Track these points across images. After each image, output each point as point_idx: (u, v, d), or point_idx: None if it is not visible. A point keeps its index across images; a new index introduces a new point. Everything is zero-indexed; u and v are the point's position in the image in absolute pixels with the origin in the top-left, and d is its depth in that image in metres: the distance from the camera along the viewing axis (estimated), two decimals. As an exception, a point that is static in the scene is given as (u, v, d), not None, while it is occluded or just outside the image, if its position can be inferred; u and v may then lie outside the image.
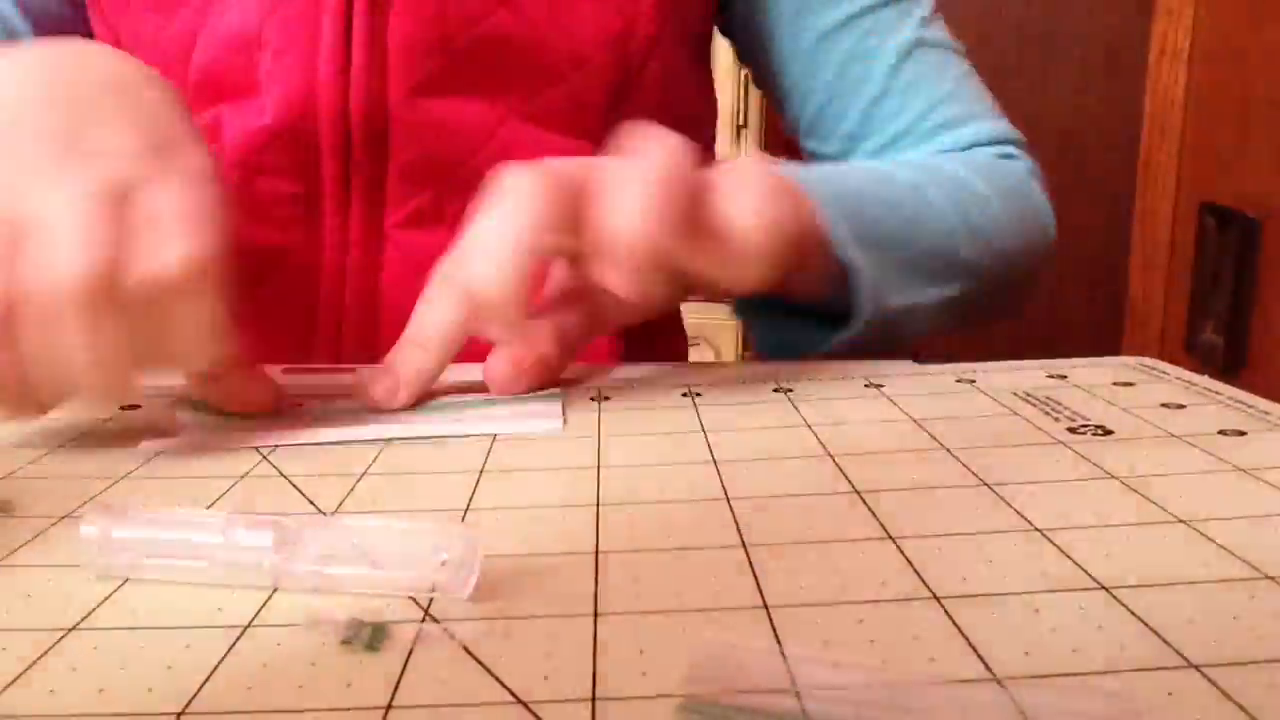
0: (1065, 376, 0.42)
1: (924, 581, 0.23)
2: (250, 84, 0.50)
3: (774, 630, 0.21)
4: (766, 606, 0.22)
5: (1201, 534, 0.25)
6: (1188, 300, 1.38)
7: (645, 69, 0.54)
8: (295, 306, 0.52)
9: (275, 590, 0.23)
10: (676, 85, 0.57)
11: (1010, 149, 0.59)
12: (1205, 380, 0.40)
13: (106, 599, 0.23)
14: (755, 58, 0.62)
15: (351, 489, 0.30)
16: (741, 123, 1.61)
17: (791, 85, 0.60)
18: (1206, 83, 1.39)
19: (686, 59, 0.59)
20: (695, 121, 0.62)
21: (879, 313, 0.46)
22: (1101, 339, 1.78)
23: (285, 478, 0.31)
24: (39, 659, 0.20)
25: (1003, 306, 0.57)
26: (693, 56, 0.60)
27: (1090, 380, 0.41)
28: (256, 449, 0.34)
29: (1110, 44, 1.74)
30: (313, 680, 0.19)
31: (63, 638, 0.21)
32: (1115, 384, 0.40)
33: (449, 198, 0.51)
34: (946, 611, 0.22)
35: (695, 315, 1.65)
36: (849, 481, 0.30)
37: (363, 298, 0.52)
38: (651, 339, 0.57)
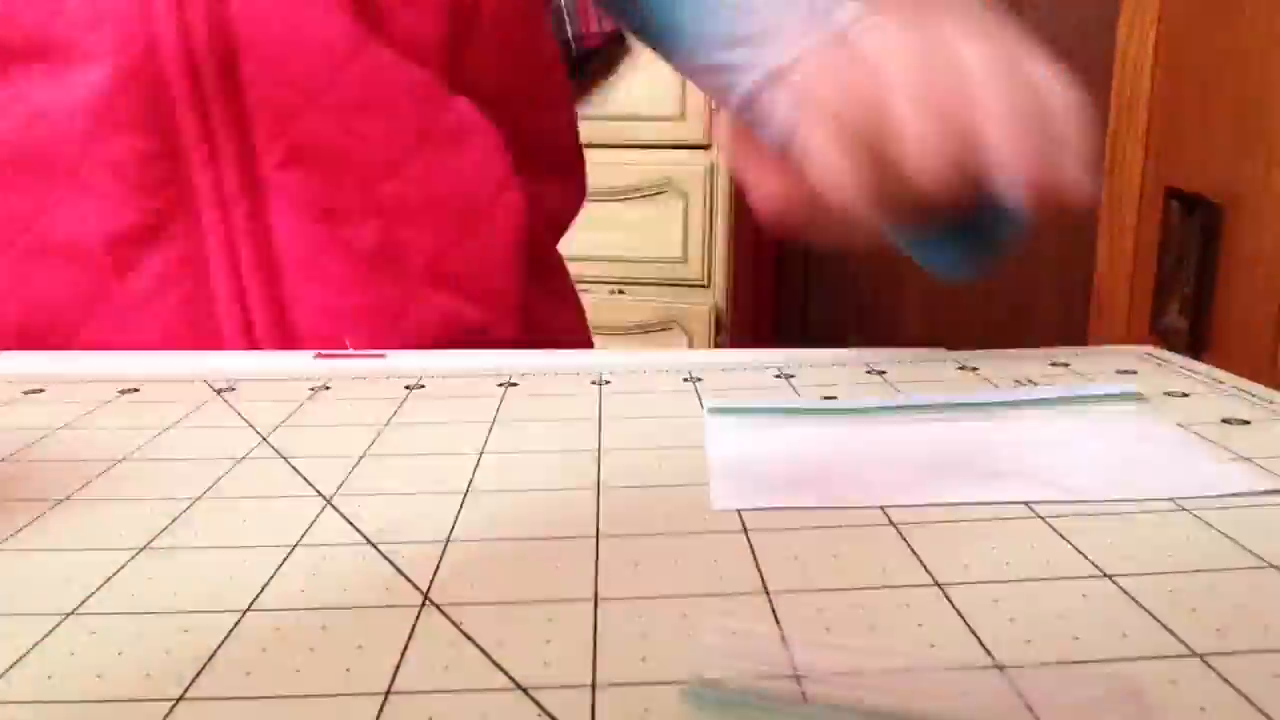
0: (1068, 365, 0.41)
1: (925, 568, 0.23)
2: (54, 39, 0.45)
3: (775, 615, 0.21)
4: (768, 592, 0.22)
5: (1204, 522, 0.25)
6: (1153, 284, 1.38)
7: (477, 9, 0.51)
8: (185, 280, 0.47)
9: (275, 572, 0.23)
10: (514, 26, 0.54)
11: None
12: (1208, 369, 0.40)
13: (105, 584, 0.23)
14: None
15: (351, 470, 0.30)
16: (705, 142, 1.59)
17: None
18: (1172, 70, 1.39)
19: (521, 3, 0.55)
20: (543, 64, 0.59)
21: None
22: (1069, 322, 1.78)
23: (284, 459, 0.31)
24: (37, 644, 0.20)
25: None
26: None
27: (1093, 369, 0.41)
28: (255, 429, 0.34)
29: (1079, 30, 1.74)
30: (312, 665, 0.19)
31: (61, 623, 0.21)
32: (1118, 372, 0.40)
33: (323, 130, 0.47)
34: (948, 598, 0.22)
35: (669, 301, 1.66)
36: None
37: (259, 257, 0.47)
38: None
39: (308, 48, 0.46)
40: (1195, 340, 1.26)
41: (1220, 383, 0.38)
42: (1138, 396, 0.35)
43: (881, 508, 0.26)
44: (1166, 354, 0.43)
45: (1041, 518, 0.26)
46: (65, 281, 0.47)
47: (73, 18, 0.44)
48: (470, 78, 0.51)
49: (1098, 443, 0.31)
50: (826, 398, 0.37)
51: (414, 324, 0.49)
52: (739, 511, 0.26)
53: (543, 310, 0.56)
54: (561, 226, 0.62)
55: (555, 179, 0.59)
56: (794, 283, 2.05)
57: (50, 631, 0.21)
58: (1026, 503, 0.26)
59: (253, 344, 0.49)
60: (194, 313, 0.48)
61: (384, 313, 0.49)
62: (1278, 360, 1.12)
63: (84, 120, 0.45)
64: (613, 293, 1.63)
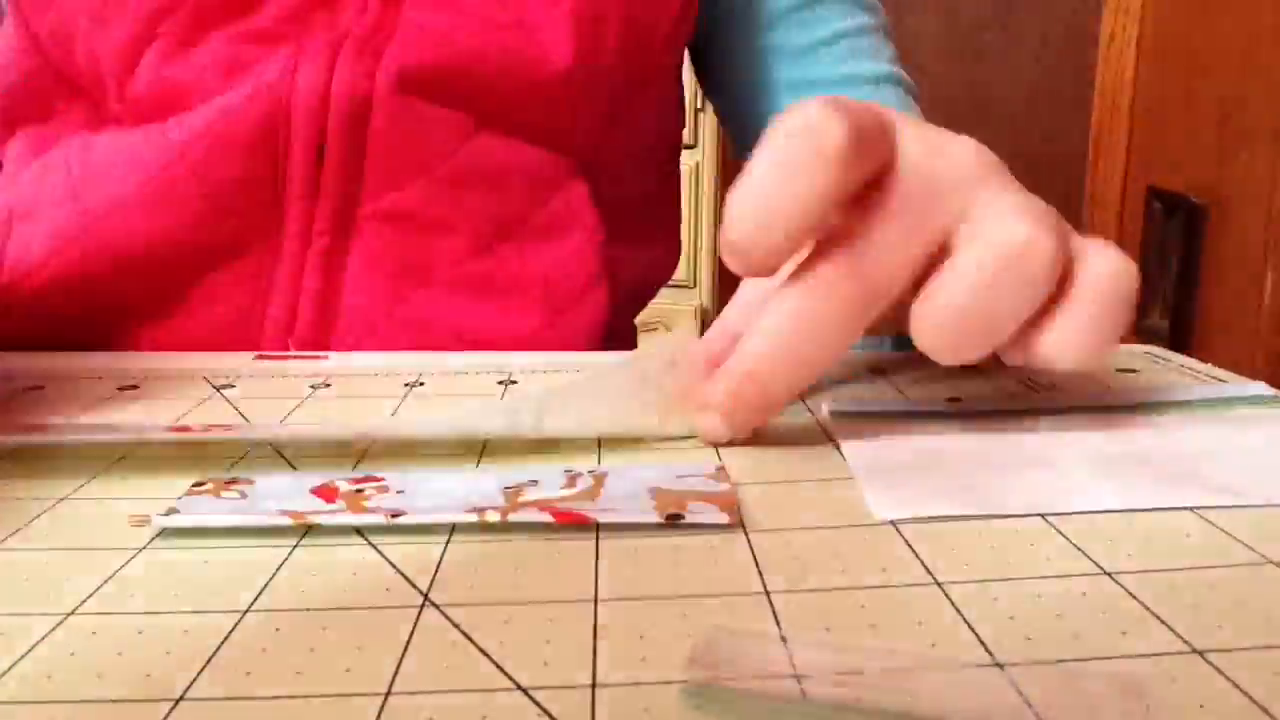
0: (1067, 360, 0.41)
1: (925, 567, 0.23)
2: (189, 89, 0.47)
3: (775, 615, 0.21)
4: (767, 592, 0.22)
5: (1204, 519, 0.25)
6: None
7: (626, 98, 0.52)
8: (241, 301, 0.49)
9: (275, 573, 0.23)
10: (660, 111, 0.57)
11: None
12: (1209, 368, 0.40)
13: (105, 583, 0.23)
14: (721, 90, 0.61)
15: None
16: (691, 143, 1.59)
17: (758, 116, 0.59)
18: (1155, 70, 1.39)
19: (666, 85, 0.58)
20: (673, 146, 0.61)
21: None
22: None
23: (284, 459, 0.31)
24: (37, 643, 0.20)
25: None
26: (669, 83, 0.58)
27: (1093, 367, 0.41)
28: (253, 426, 0.34)
29: (1065, 31, 1.74)
30: (312, 665, 0.19)
31: (61, 622, 0.21)
32: (1118, 370, 0.40)
33: (429, 195, 0.48)
34: (948, 596, 0.22)
35: (654, 301, 1.65)
36: (849, 466, 0.29)
37: (321, 299, 0.49)
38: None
39: (433, 126, 0.47)
40: (1176, 342, 1.27)
41: (1221, 381, 0.38)
42: (1274, 399, 0.34)
43: (1041, 515, 0.26)
44: (1167, 353, 0.43)
45: (1042, 515, 0.26)
46: (132, 281, 0.48)
47: (214, 70, 0.46)
48: (595, 155, 0.51)
49: (1255, 443, 0.31)
50: (951, 399, 0.36)
51: None
52: (740, 511, 0.26)
53: None
54: (648, 297, 0.62)
55: (654, 246, 0.59)
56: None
57: (50, 631, 0.21)
58: (1196, 508, 0.26)
59: (285, 345, 0.49)
60: (237, 342, 0.48)
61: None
62: (1258, 362, 1.13)
63: (199, 145, 0.46)
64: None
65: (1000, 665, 0.19)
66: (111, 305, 0.49)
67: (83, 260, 0.48)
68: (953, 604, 0.21)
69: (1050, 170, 1.90)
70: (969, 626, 0.20)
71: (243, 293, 0.49)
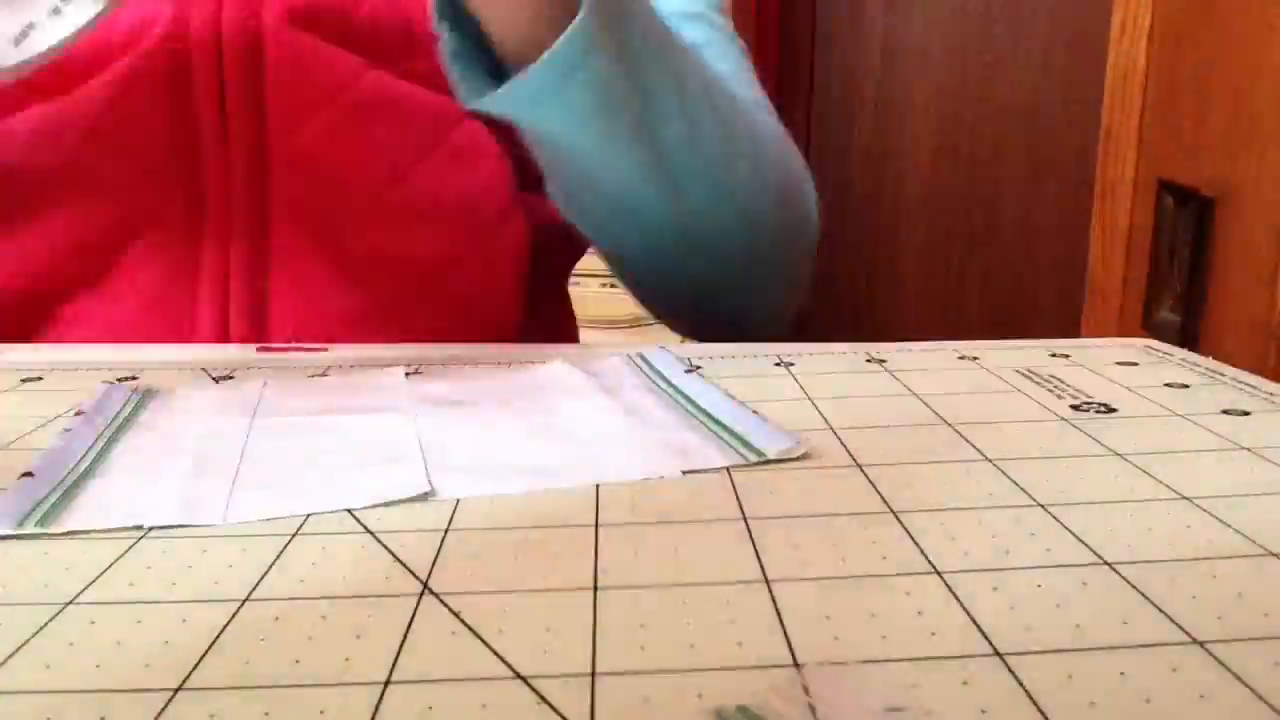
0: (1068, 355, 0.41)
1: (925, 556, 0.23)
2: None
3: (774, 603, 0.21)
4: (767, 580, 0.22)
5: (1205, 511, 0.25)
6: (1146, 278, 1.39)
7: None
8: (172, 264, 0.48)
9: (274, 561, 0.23)
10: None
11: None
12: (1209, 361, 0.40)
13: (104, 573, 0.23)
14: None
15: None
16: None
17: None
18: (1166, 62, 1.39)
19: None
20: None
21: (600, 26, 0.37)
22: (1064, 315, 1.79)
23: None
24: (36, 633, 0.20)
25: (737, 267, 0.49)
26: None
27: (1093, 359, 0.41)
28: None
29: (1074, 22, 1.74)
30: (311, 654, 0.19)
31: (60, 612, 0.21)
32: (1119, 363, 0.40)
33: (335, 132, 0.48)
34: (948, 586, 0.22)
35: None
36: (850, 455, 0.29)
37: (251, 252, 0.48)
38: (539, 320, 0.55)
39: (329, 56, 0.47)
40: (1187, 337, 1.26)
41: (1221, 375, 0.38)
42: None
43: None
44: (1167, 346, 0.43)
45: (1042, 505, 0.26)
46: (59, 254, 0.47)
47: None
48: None
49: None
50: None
51: (397, 339, 0.47)
52: (739, 500, 0.26)
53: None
54: (573, 258, 0.62)
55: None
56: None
57: (49, 621, 0.21)
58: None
59: (224, 339, 0.48)
60: (174, 300, 0.48)
61: (366, 324, 0.48)
62: (1270, 355, 1.13)
63: (102, 103, 0.45)
64: (604, 286, 1.63)
65: (1000, 655, 0.19)
66: (40, 286, 0.48)
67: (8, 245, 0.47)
68: (953, 593, 0.21)
69: (1059, 162, 1.90)
70: (969, 616, 0.20)
71: (172, 255, 0.48)
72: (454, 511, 0.26)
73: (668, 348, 0.42)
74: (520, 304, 0.53)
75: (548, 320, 0.59)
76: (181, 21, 0.46)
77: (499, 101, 0.37)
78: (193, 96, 0.46)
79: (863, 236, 1.96)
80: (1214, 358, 0.41)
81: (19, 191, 0.47)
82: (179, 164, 0.47)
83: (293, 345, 0.46)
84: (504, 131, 0.51)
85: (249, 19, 0.46)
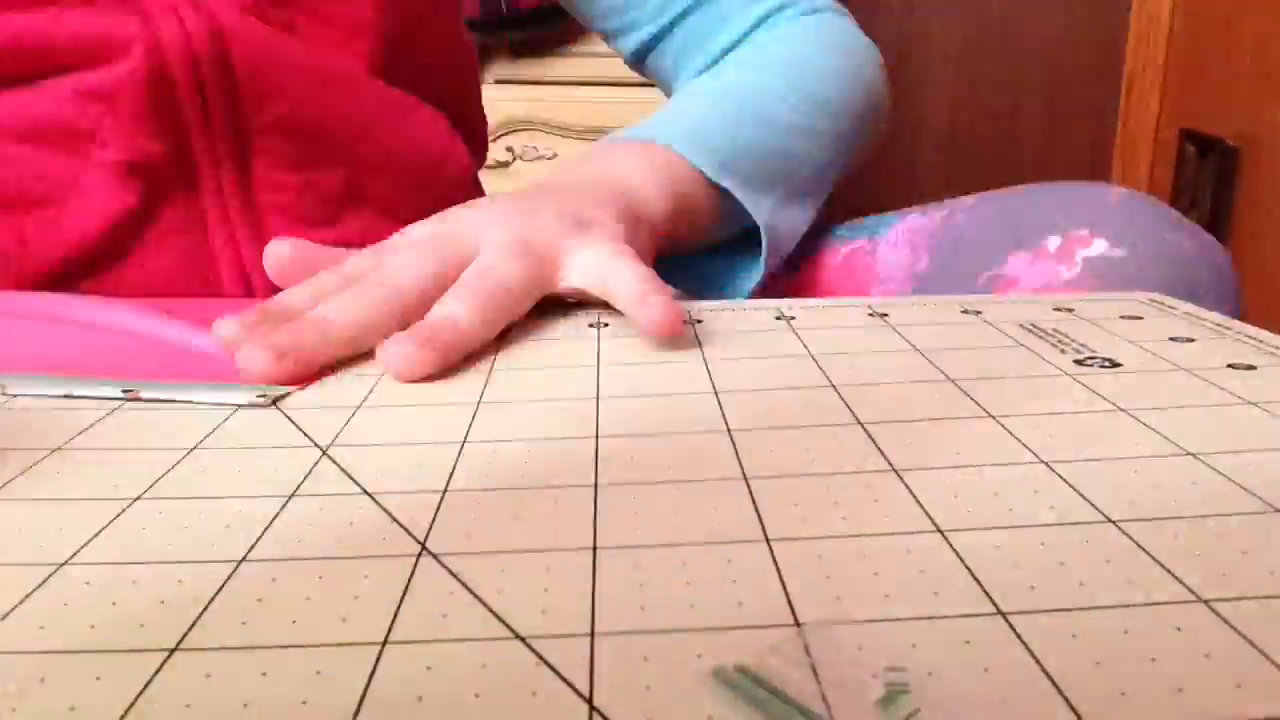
0: (1072, 310, 0.41)
1: (928, 514, 0.23)
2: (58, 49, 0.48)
3: (775, 563, 0.21)
4: (768, 539, 0.22)
5: (1210, 467, 0.25)
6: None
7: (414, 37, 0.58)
8: (187, 236, 0.51)
9: (271, 522, 0.23)
10: (447, 47, 0.63)
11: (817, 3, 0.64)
12: (1215, 315, 0.39)
13: (98, 533, 0.23)
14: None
15: (348, 420, 0.30)
16: None
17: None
18: (1190, 12, 1.36)
19: (448, 20, 0.63)
20: (466, 74, 0.68)
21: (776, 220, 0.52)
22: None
23: (279, 408, 0.31)
24: (30, 594, 0.20)
25: (856, 148, 0.61)
26: (452, 16, 0.64)
27: (1097, 314, 0.40)
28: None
29: None
30: (308, 614, 0.19)
31: (53, 573, 0.21)
32: (1123, 318, 0.40)
33: (302, 103, 0.52)
34: (950, 544, 0.21)
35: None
36: (852, 413, 0.29)
37: (247, 211, 0.52)
38: None
39: (281, 50, 0.51)
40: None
41: (1226, 329, 0.38)
42: None
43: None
44: (1172, 300, 0.42)
45: (1045, 462, 0.25)
46: (77, 235, 0.50)
47: (72, 28, 0.48)
48: (404, 69, 0.58)
49: None
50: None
51: None
52: (739, 459, 0.26)
53: None
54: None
55: (467, 143, 0.66)
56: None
57: (43, 582, 0.21)
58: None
59: (250, 293, 0.52)
60: (195, 267, 0.51)
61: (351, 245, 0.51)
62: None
63: (95, 110, 0.49)
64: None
65: (1004, 614, 0.19)
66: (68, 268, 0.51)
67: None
68: (955, 552, 0.21)
69: (1083, 113, 1.87)
70: (971, 575, 0.20)
71: (182, 241, 0.51)
72: (451, 472, 0.26)
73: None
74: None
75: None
76: (152, 39, 0.48)
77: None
78: (177, 97, 0.49)
79: (878, 186, 1.95)
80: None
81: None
82: (170, 151, 0.50)
83: None
84: (419, 88, 0.59)
85: (206, 19, 0.49)
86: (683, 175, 0.50)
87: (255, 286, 0.52)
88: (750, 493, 0.24)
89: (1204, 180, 1.29)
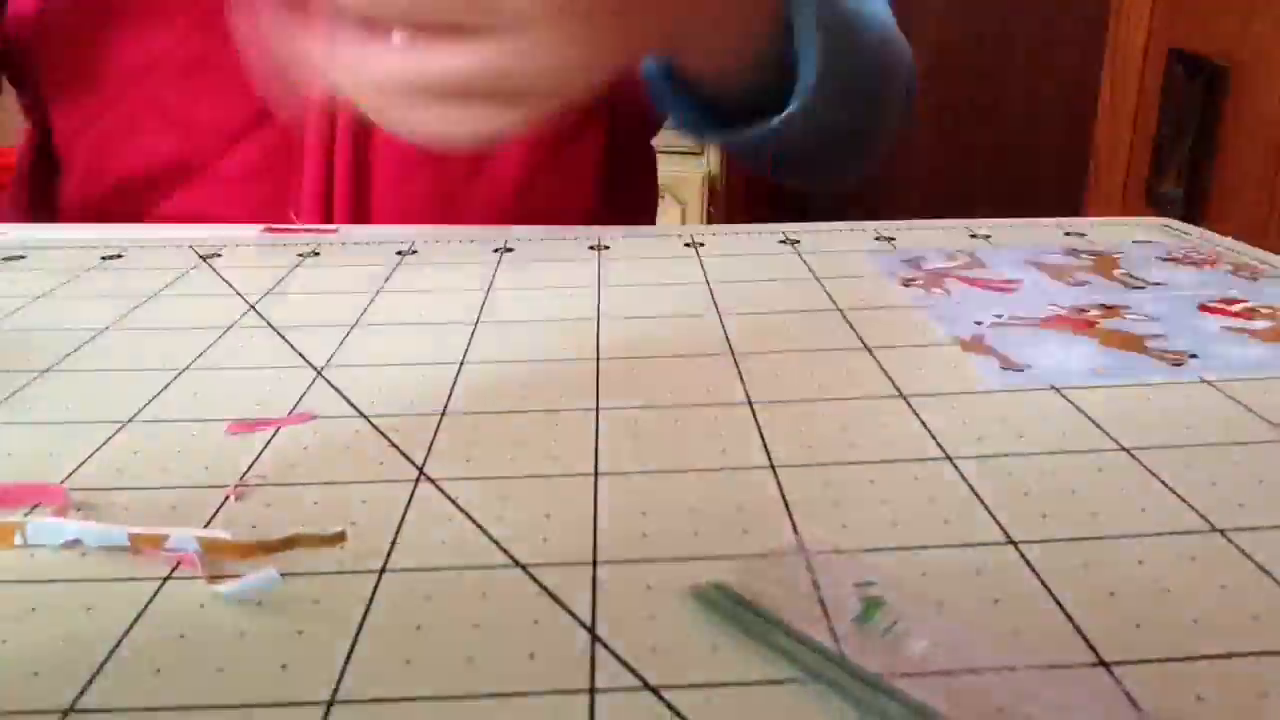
0: (1084, 234, 0.40)
1: (937, 441, 0.22)
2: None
3: (781, 489, 0.20)
4: (773, 466, 0.21)
5: (1223, 394, 0.24)
6: (1151, 153, 1.36)
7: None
8: (276, 167, 0.49)
9: (263, 449, 0.22)
10: None
11: None
12: (1228, 240, 0.39)
13: (90, 457, 0.22)
14: None
15: (342, 340, 0.29)
16: None
17: None
18: None
19: None
20: None
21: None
22: (1066, 189, 1.75)
23: (274, 328, 0.30)
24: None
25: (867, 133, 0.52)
26: None
27: (1109, 238, 0.39)
28: (242, 297, 0.33)
29: None
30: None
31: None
32: (1136, 243, 0.39)
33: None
34: (961, 473, 0.21)
35: (660, 168, 1.61)
36: (858, 336, 0.29)
37: (354, 155, 0.49)
38: (620, 185, 0.56)
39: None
40: (1190, 209, 1.24)
41: (1239, 254, 0.37)
42: None
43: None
44: (1185, 225, 0.41)
45: (1057, 389, 0.25)
46: (166, 149, 0.48)
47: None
48: None
49: None
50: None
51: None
52: (743, 382, 0.25)
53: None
54: (653, 131, 0.61)
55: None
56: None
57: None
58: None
59: (329, 219, 0.49)
60: (278, 199, 0.48)
61: (456, 209, 0.49)
62: (1271, 229, 1.11)
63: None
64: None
65: (1014, 543, 0.18)
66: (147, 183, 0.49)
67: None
68: (964, 479, 0.21)
69: (1071, 30, 1.83)
70: (981, 503, 0.20)
71: (275, 147, 0.48)
72: (449, 395, 0.25)
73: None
74: (598, 195, 0.53)
75: (629, 196, 0.59)
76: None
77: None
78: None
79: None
80: (1215, 231, 0.40)
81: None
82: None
83: (300, 226, 0.45)
84: None
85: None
86: None
87: (335, 215, 0.49)
88: (755, 418, 0.24)
89: (1192, 100, 1.26)
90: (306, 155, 0.48)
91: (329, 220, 0.48)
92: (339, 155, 0.49)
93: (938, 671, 0.15)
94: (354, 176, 0.49)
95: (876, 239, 0.39)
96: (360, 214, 0.49)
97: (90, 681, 0.15)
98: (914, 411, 0.24)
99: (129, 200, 0.48)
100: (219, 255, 0.38)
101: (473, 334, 0.30)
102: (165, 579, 0.18)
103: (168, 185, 0.48)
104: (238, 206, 0.47)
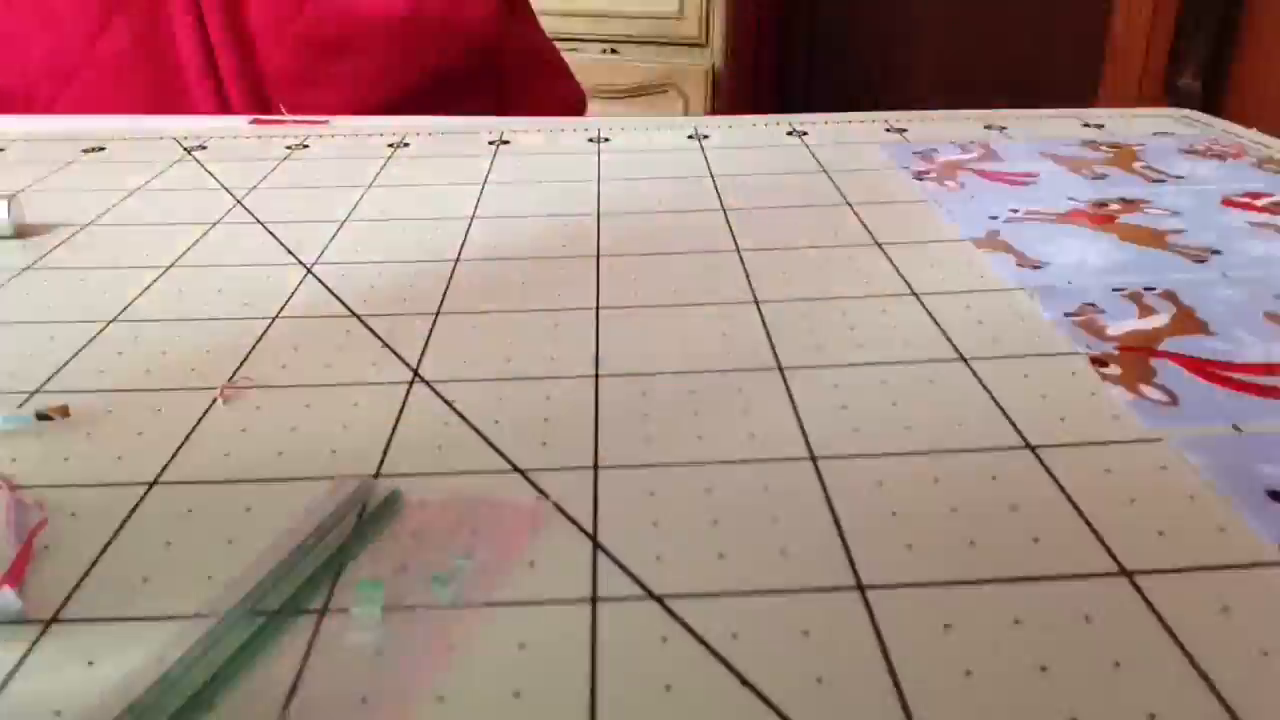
0: (1103, 125, 0.38)
1: (951, 342, 0.21)
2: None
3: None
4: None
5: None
6: (1169, 43, 1.32)
7: None
8: (152, 46, 0.47)
9: (252, 348, 0.22)
10: None
11: None
12: (1252, 133, 0.37)
13: (73, 358, 0.21)
14: None
15: (333, 236, 0.28)
16: None
17: None
18: None
19: None
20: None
21: None
22: (1080, 80, 1.71)
23: (261, 224, 0.29)
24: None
25: None
26: None
27: (1129, 130, 0.38)
28: (229, 192, 0.32)
29: None
30: (295, 446, 0.18)
31: (27, 400, 0.20)
32: (1156, 134, 0.37)
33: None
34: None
35: (664, 60, 1.57)
36: (868, 231, 0.27)
37: (228, 27, 0.47)
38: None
39: None
40: (1208, 104, 1.21)
41: (1265, 145, 0.36)
42: None
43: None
44: (1207, 117, 0.40)
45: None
46: (41, 48, 0.47)
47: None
48: None
49: None
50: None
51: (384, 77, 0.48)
52: (750, 283, 0.24)
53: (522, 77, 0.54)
54: None
55: None
56: (797, 43, 1.94)
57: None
58: None
59: (228, 113, 0.47)
60: (165, 79, 0.47)
61: (361, 80, 0.48)
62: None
63: None
64: (604, 52, 1.54)
65: (1031, 448, 0.18)
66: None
67: None
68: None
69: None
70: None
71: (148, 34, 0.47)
72: (444, 294, 0.24)
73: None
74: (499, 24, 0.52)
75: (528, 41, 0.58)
76: None
77: None
78: None
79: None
80: (1237, 123, 0.38)
81: None
82: None
83: (289, 118, 0.43)
84: None
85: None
86: None
87: (235, 108, 0.47)
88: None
89: (1211, 3, 1.23)
90: (176, 24, 0.47)
91: (220, 85, 0.47)
92: (209, 15, 0.47)
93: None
94: (229, 26, 0.47)
95: (888, 130, 0.38)
96: (247, 70, 0.47)
97: None
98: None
99: (18, 108, 0.48)
100: (204, 148, 0.37)
101: (468, 230, 0.28)
102: (146, 488, 0.17)
103: (51, 88, 0.47)
104: (125, 92, 0.47)
